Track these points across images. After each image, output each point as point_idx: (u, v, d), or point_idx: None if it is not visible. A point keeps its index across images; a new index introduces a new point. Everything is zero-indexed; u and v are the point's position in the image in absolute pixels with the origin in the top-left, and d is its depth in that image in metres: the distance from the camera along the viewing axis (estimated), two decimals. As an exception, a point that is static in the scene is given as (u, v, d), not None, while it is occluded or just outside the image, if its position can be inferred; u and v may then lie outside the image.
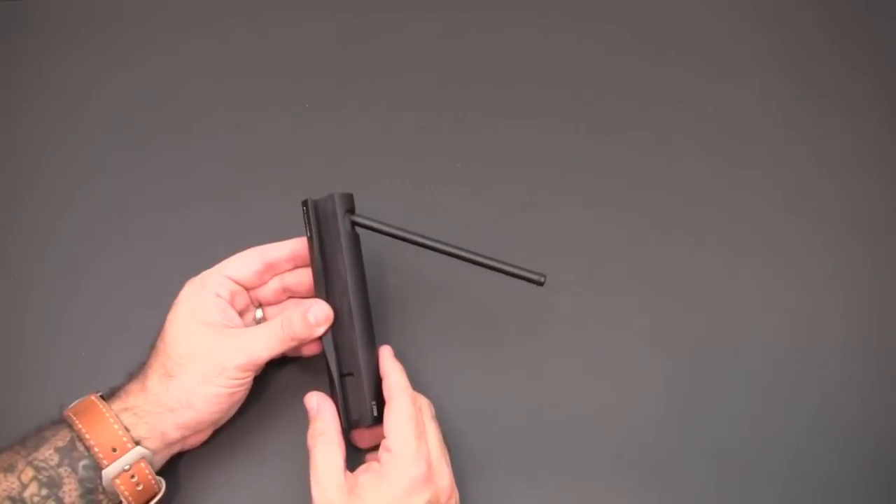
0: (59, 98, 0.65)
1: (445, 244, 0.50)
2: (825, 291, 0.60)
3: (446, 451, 0.50)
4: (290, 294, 0.54)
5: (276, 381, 0.55)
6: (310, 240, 0.51)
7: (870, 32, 0.67)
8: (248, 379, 0.49)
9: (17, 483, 0.45)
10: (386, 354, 0.51)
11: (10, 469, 0.46)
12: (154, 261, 0.59)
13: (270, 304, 0.54)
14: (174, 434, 0.48)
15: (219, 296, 0.50)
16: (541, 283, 0.50)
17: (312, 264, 0.51)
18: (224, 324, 0.49)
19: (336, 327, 0.50)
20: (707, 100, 0.65)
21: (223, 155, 0.63)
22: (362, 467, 0.49)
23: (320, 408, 0.49)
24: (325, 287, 0.51)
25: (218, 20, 0.67)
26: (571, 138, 0.64)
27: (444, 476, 0.48)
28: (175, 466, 0.51)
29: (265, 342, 0.49)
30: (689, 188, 0.62)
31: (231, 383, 0.48)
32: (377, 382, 0.50)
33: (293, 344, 0.50)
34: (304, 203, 0.51)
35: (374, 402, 0.50)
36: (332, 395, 0.50)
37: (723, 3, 0.69)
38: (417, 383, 0.52)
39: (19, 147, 0.63)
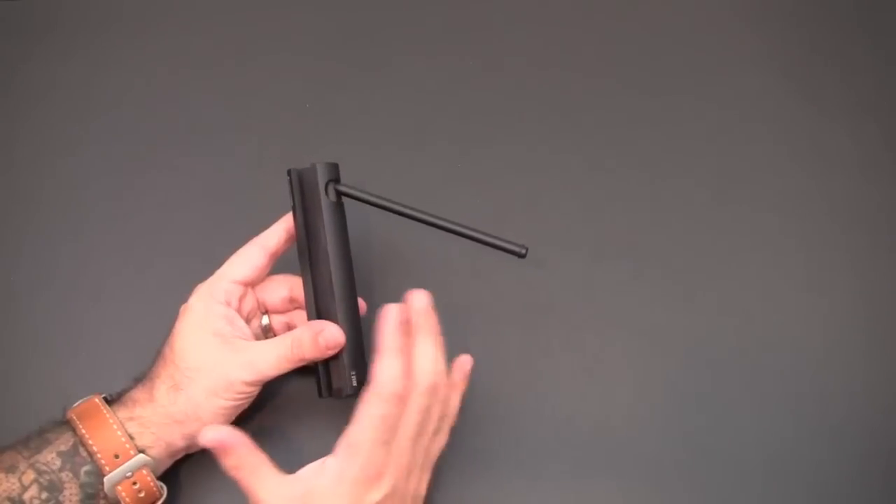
0: (60, 98, 0.65)
1: (429, 214, 0.50)
2: (825, 291, 0.60)
3: (427, 452, 0.47)
4: (297, 305, 0.53)
5: (278, 382, 0.55)
6: (294, 210, 0.51)
7: (870, 32, 0.67)
8: (254, 392, 0.49)
9: (17, 484, 0.45)
10: (388, 322, 0.45)
11: (11, 470, 0.46)
12: (154, 260, 0.59)
13: (277, 312, 0.54)
14: (180, 443, 0.49)
15: (228, 304, 0.50)
16: (522, 256, 0.50)
17: (297, 234, 0.51)
18: (233, 335, 0.49)
19: (318, 296, 0.50)
20: (707, 100, 0.65)
21: (223, 155, 0.63)
22: (312, 466, 0.45)
23: (224, 442, 0.44)
24: (307, 256, 0.51)
25: (218, 20, 0.67)
26: (571, 137, 0.64)
27: (399, 466, 0.45)
28: (176, 470, 0.51)
29: (274, 361, 0.48)
30: (689, 188, 0.62)
31: (238, 397, 0.48)
32: (357, 353, 0.50)
33: (301, 364, 0.49)
34: (289, 172, 0.51)
35: (353, 373, 0.50)
36: (315, 364, 0.50)
37: (723, 2, 0.68)
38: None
39: (20, 147, 0.63)
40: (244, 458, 0.44)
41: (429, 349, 0.46)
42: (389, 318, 0.45)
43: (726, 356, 0.58)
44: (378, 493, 0.44)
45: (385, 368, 0.44)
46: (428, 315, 0.47)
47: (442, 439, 0.49)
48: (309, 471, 0.45)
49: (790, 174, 0.63)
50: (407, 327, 0.46)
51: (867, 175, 0.63)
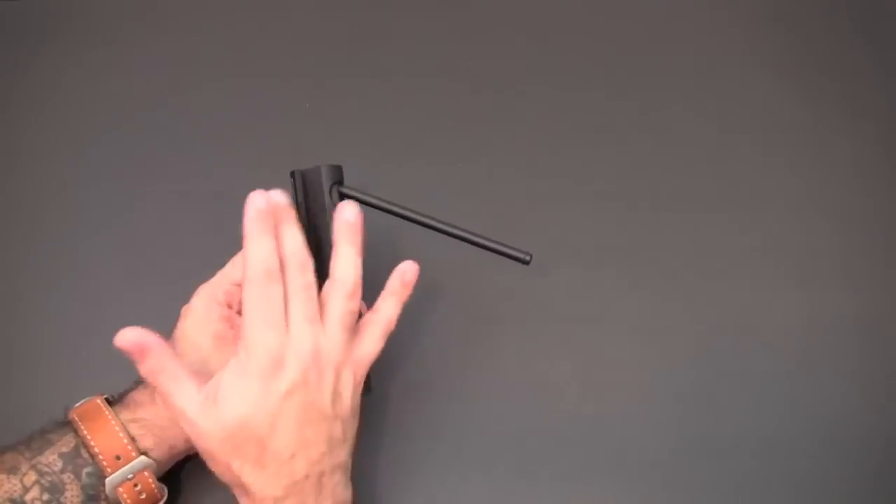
0: (59, 98, 0.65)
1: (433, 219, 0.50)
2: (824, 291, 0.60)
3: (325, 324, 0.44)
4: None
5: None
6: (297, 211, 0.51)
7: (870, 32, 0.67)
8: None
9: (19, 486, 0.45)
10: (250, 210, 0.44)
11: (13, 471, 0.46)
12: (154, 260, 0.60)
13: None
14: (181, 445, 0.48)
15: (229, 305, 0.50)
16: (527, 262, 0.50)
17: None
18: (235, 336, 0.49)
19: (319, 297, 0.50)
20: (705, 104, 0.65)
21: (223, 155, 0.63)
22: (222, 370, 0.43)
23: (142, 343, 0.42)
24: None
25: (218, 20, 0.67)
26: (571, 137, 0.64)
27: (302, 350, 0.43)
28: (177, 471, 0.51)
29: None
30: (689, 188, 0.62)
31: None
32: None
33: None
34: (292, 174, 0.51)
35: None
36: None
37: (723, 2, 0.69)
38: (415, 380, 0.52)
39: (19, 147, 0.63)
40: (164, 363, 0.43)
41: (292, 231, 0.45)
42: (251, 206, 0.44)
43: (726, 355, 0.58)
44: (283, 382, 0.42)
45: (252, 250, 0.43)
46: (288, 209, 0.45)
47: (369, 344, 0.47)
48: (219, 374, 0.43)
49: (788, 177, 0.63)
50: (273, 216, 0.44)
51: (865, 177, 0.63)
